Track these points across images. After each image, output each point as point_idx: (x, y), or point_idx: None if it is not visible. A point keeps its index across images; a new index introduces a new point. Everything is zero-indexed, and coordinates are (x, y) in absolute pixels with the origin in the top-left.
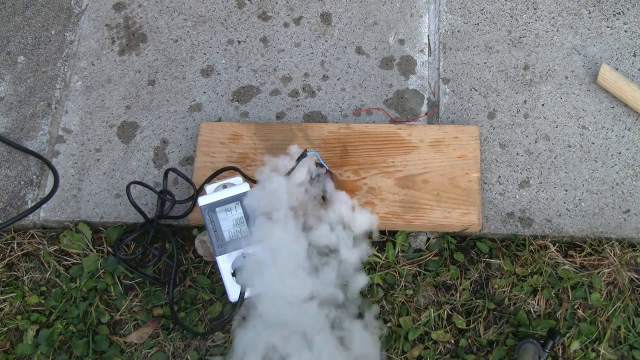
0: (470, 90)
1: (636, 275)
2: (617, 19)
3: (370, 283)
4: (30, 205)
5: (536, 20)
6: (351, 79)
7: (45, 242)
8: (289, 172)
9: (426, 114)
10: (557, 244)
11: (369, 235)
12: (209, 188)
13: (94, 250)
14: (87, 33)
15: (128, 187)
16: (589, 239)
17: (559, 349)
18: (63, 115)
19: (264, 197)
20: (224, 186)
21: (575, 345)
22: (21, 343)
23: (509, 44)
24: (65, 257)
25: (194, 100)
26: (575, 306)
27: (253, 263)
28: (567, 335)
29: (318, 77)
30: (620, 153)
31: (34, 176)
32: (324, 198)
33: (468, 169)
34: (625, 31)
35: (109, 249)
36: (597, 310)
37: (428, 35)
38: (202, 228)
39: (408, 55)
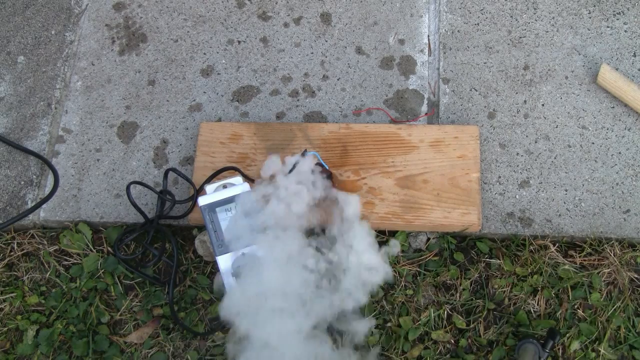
0: (470, 90)
1: (636, 275)
2: (617, 19)
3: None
4: (30, 205)
5: (536, 20)
6: (351, 79)
7: (45, 242)
8: (290, 171)
9: (426, 114)
10: (557, 244)
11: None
12: (209, 188)
13: (94, 250)
14: (87, 33)
15: (128, 187)
16: (589, 239)
17: (559, 349)
18: (63, 115)
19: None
20: (224, 186)
21: (575, 345)
22: (21, 343)
23: (509, 44)
24: (65, 257)
25: (194, 100)
26: (575, 306)
27: (253, 263)
28: (567, 335)
29: (318, 77)
30: (620, 153)
31: (34, 176)
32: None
33: (468, 169)
34: (625, 31)
35: (109, 249)
36: (597, 310)
37: (428, 35)
38: (202, 228)
39: (408, 55)
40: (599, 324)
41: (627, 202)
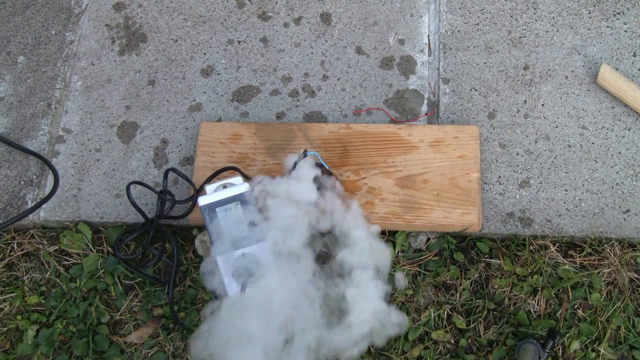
0: (470, 90)
1: (636, 275)
2: (617, 19)
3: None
4: (30, 205)
5: (536, 20)
6: (351, 79)
7: (45, 242)
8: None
9: (426, 114)
10: (557, 244)
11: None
12: (209, 188)
13: (94, 250)
14: (87, 33)
15: (128, 187)
16: (589, 239)
17: (559, 349)
18: (63, 115)
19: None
20: (224, 186)
21: (575, 345)
22: (21, 343)
23: (509, 44)
24: (65, 257)
25: (194, 100)
26: (575, 306)
27: (253, 263)
28: (567, 335)
29: (318, 77)
30: (620, 153)
31: (34, 176)
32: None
33: (468, 169)
34: (625, 31)
35: (109, 249)
36: (597, 310)
37: (428, 35)
38: (202, 228)
39: (408, 55)
40: (599, 324)
41: (627, 202)
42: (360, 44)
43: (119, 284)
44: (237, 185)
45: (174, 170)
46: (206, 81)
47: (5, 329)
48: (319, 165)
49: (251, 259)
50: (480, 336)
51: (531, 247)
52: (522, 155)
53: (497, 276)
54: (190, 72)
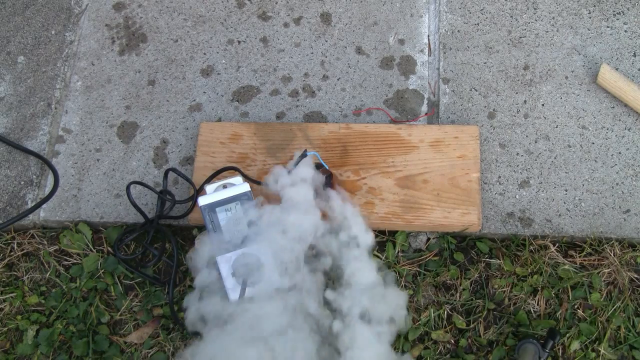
0: (470, 90)
1: (636, 275)
2: (617, 19)
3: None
4: (30, 205)
5: (536, 20)
6: (351, 79)
7: (45, 242)
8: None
9: (426, 114)
10: (557, 244)
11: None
12: (209, 188)
13: (94, 250)
14: (87, 33)
15: (128, 187)
16: (589, 239)
17: (559, 349)
18: (63, 115)
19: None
20: (224, 186)
21: (575, 345)
22: (21, 343)
23: (509, 44)
24: (65, 257)
25: (194, 100)
26: (575, 306)
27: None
28: (567, 335)
29: (318, 77)
30: (620, 153)
31: (34, 176)
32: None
33: (468, 169)
34: (625, 31)
35: (109, 249)
36: (597, 310)
37: (428, 35)
38: (202, 228)
39: (408, 55)
40: (599, 324)
41: (627, 202)
42: (360, 44)
43: (119, 284)
44: (237, 185)
45: (174, 170)
46: (206, 81)
47: (5, 329)
48: (318, 165)
49: (251, 259)
50: (480, 336)
51: (531, 247)
52: (522, 155)
53: (497, 276)
54: (190, 72)
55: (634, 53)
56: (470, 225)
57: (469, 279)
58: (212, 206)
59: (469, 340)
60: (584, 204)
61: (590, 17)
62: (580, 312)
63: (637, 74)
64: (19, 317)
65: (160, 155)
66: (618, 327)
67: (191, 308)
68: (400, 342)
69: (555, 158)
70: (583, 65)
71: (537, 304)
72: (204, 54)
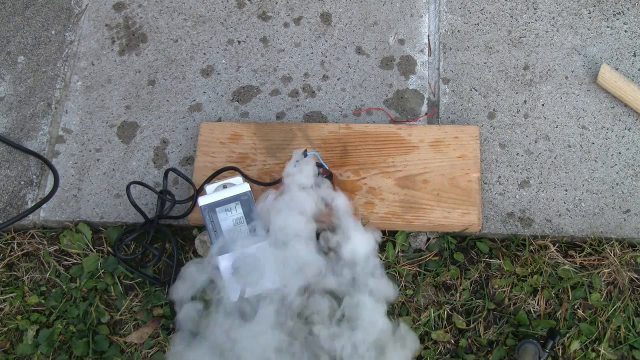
0: (470, 90)
1: (636, 275)
2: (617, 19)
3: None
4: (30, 205)
5: (536, 20)
6: (351, 79)
7: (45, 242)
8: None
9: (426, 114)
10: (557, 244)
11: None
12: (209, 188)
13: (94, 250)
14: (87, 33)
15: (128, 187)
16: (589, 239)
17: (559, 349)
18: (63, 115)
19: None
20: (224, 186)
21: (575, 345)
22: (21, 343)
23: (509, 44)
24: (65, 257)
25: (194, 100)
26: (575, 306)
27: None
28: (567, 335)
29: (318, 77)
30: (620, 153)
31: (34, 176)
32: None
33: (468, 169)
34: (625, 31)
35: (109, 249)
36: (597, 310)
37: (428, 35)
38: (202, 228)
39: (408, 55)
40: (599, 324)
41: (627, 202)
42: (360, 44)
43: (119, 284)
44: (237, 185)
45: (174, 170)
46: (206, 81)
47: (5, 329)
48: (318, 165)
49: (251, 259)
50: (480, 336)
51: (531, 247)
52: (522, 155)
53: (497, 276)
54: (190, 72)
55: (634, 53)
56: (470, 225)
57: (469, 279)
58: (212, 206)
59: (469, 340)
60: (584, 204)
61: (590, 17)
62: (580, 312)
63: (637, 74)
64: (19, 317)
65: (160, 155)
66: (618, 327)
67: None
68: None
69: (555, 158)
70: (583, 65)
71: (537, 304)
72: (204, 54)
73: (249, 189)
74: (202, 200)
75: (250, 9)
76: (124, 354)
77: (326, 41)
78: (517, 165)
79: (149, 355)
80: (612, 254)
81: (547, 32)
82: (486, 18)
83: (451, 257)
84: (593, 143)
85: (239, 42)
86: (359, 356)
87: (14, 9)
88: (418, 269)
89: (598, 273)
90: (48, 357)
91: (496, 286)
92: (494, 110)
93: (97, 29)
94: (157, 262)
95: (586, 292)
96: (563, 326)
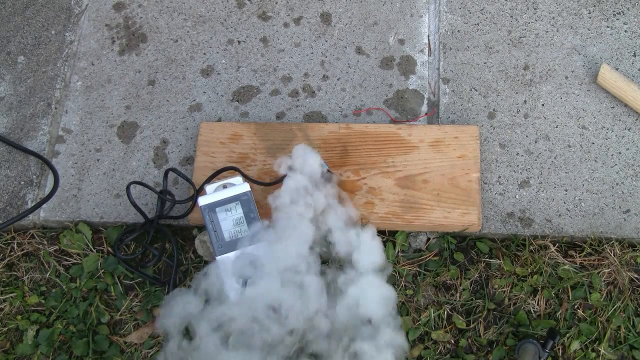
0: (470, 90)
1: (636, 275)
2: (617, 19)
3: None
4: (30, 205)
5: (536, 20)
6: (351, 79)
7: (45, 242)
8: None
9: (426, 114)
10: (557, 244)
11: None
12: (209, 188)
13: (94, 250)
14: (87, 33)
15: (128, 187)
16: (589, 239)
17: (559, 349)
18: (63, 115)
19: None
20: (224, 186)
21: (575, 345)
22: (21, 343)
23: (509, 44)
24: (65, 257)
25: (194, 100)
26: (575, 306)
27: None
28: (567, 335)
29: (318, 77)
30: (620, 153)
31: (34, 176)
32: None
33: (468, 169)
34: (625, 31)
35: (109, 249)
36: (597, 310)
37: (428, 35)
38: (202, 228)
39: (408, 55)
40: (599, 324)
41: (627, 202)
42: (360, 44)
43: (119, 284)
44: (237, 185)
45: (174, 170)
46: (206, 81)
47: (5, 329)
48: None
49: (251, 259)
50: (480, 336)
51: (531, 247)
52: (522, 155)
53: (497, 276)
54: (190, 72)
55: (634, 53)
56: (470, 225)
57: (469, 279)
58: (212, 206)
59: (469, 340)
60: (584, 204)
61: (590, 17)
62: (580, 312)
63: (637, 74)
64: (19, 317)
65: (160, 155)
66: (618, 327)
67: None
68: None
69: (555, 158)
70: (583, 65)
71: (537, 304)
72: (204, 54)
73: (249, 189)
74: (202, 200)
75: (250, 9)
76: (124, 354)
77: (326, 41)
78: (517, 165)
79: (149, 355)
80: (612, 254)
81: (547, 32)
82: (486, 18)
83: (451, 257)
84: (593, 143)
85: (239, 42)
86: None
87: (14, 9)
88: (418, 269)
89: (598, 273)
90: (48, 357)
91: (496, 286)
92: (494, 110)
93: (97, 29)
94: (157, 262)
95: (586, 292)
96: (563, 326)
